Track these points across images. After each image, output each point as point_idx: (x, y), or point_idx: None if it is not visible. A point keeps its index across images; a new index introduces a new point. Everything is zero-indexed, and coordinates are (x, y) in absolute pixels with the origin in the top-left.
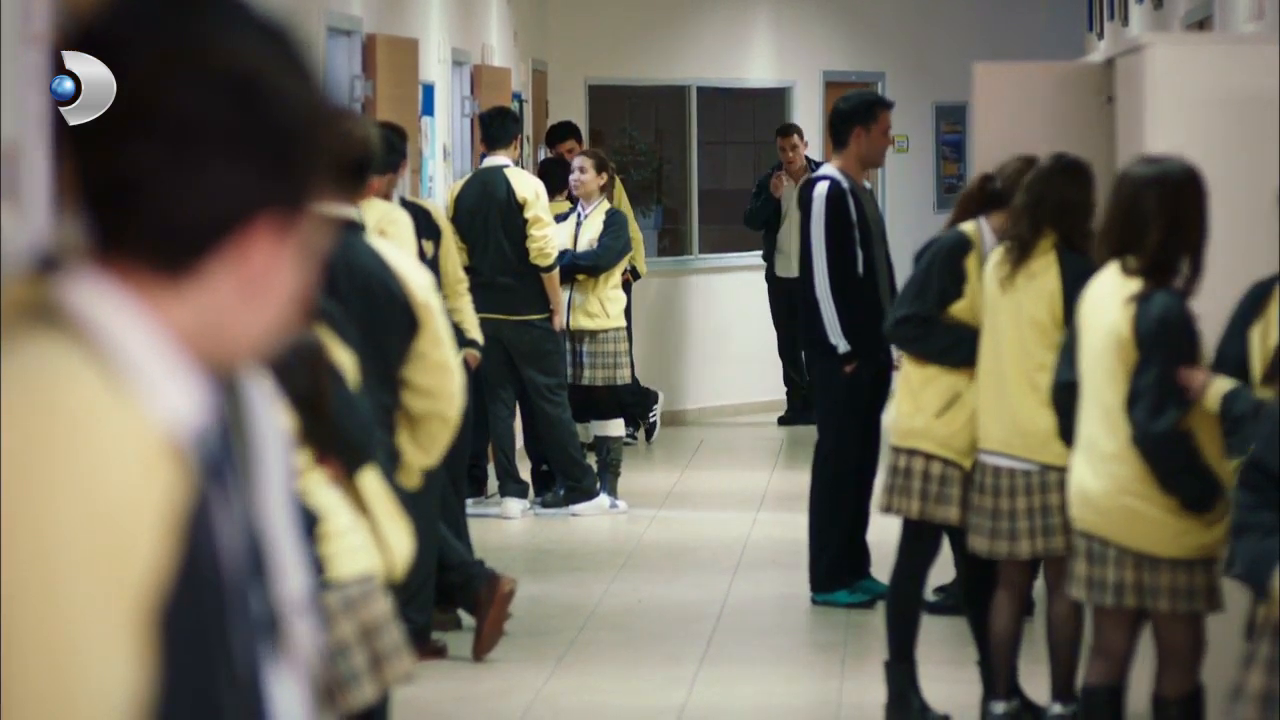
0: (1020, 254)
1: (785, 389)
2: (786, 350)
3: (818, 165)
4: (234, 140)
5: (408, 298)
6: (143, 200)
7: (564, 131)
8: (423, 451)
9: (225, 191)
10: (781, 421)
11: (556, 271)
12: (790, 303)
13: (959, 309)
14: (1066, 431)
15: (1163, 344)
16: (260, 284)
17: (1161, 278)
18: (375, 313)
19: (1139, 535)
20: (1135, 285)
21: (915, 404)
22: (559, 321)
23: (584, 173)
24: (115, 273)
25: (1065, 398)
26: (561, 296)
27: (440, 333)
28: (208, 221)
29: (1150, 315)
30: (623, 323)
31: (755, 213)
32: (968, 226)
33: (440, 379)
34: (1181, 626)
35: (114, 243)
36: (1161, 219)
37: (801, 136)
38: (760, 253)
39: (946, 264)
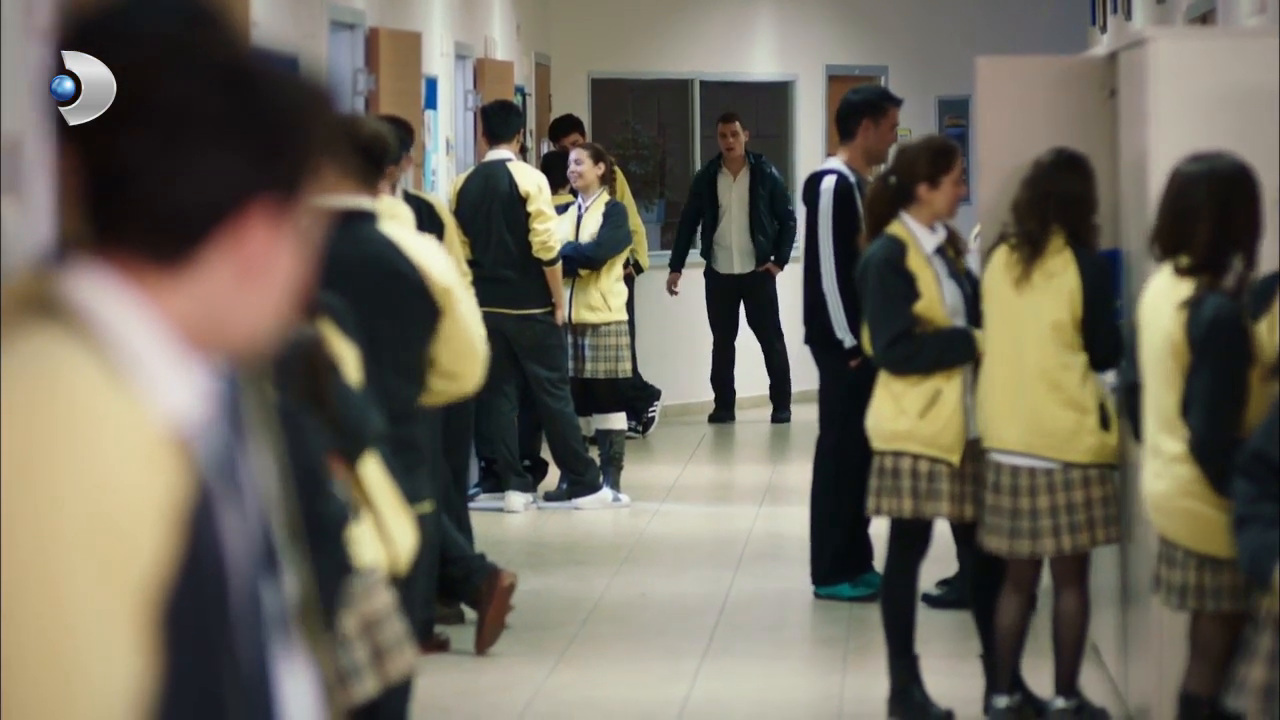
0: (1031, 251)
1: (716, 388)
2: (726, 351)
3: (756, 156)
4: (225, 128)
5: (426, 284)
6: (137, 189)
7: (567, 125)
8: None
9: (218, 178)
10: (712, 419)
11: (559, 265)
12: (737, 299)
13: (919, 308)
14: (1138, 434)
15: (1214, 348)
16: (257, 270)
17: (1212, 277)
18: (394, 303)
19: (1200, 536)
20: (1187, 287)
21: (897, 407)
22: (561, 315)
23: (580, 164)
24: (113, 264)
25: (1132, 400)
26: (564, 290)
27: (466, 316)
28: (202, 208)
29: (1202, 319)
30: (624, 316)
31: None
32: (894, 229)
33: (466, 364)
34: (1227, 625)
35: (111, 234)
36: (1209, 215)
37: (743, 125)
38: (697, 250)
39: (892, 273)
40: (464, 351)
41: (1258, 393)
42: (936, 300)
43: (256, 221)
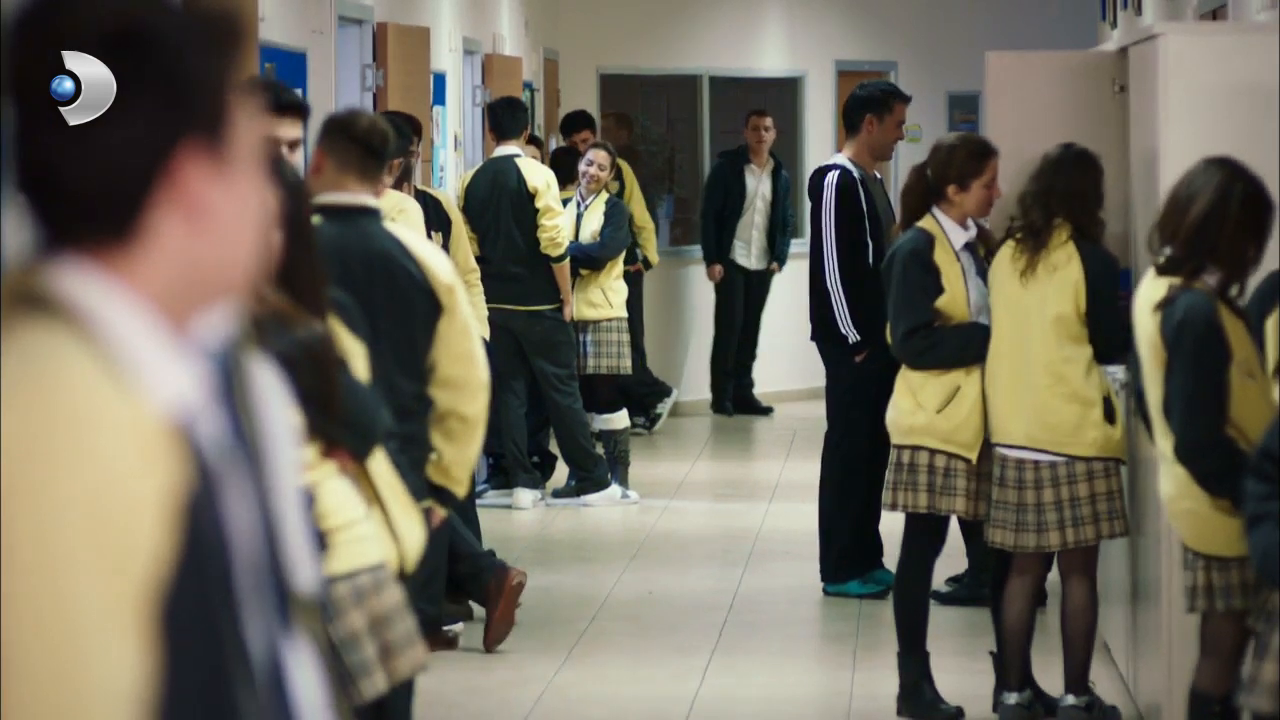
0: (1035, 243)
1: (714, 384)
2: (730, 345)
3: (774, 156)
4: (123, 90)
5: (430, 282)
6: (63, 177)
7: (578, 122)
8: (456, 447)
9: (132, 141)
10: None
11: (567, 262)
12: (760, 294)
13: (942, 303)
14: (1151, 434)
15: (1185, 347)
16: (203, 213)
17: (1188, 276)
18: (398, 299)
19: (1202, 537)
20: (1164, 287)
21: (915, 401)
22: (569, 312)
23: (602, 169)
24: (81, 253)
25: (1142, 402)
26: (565, 289)
27: (467, 321)
28: (128, 174)
29: (1173, 319)
30: (625, 313)
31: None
32: (924, 223)
33: (465, 369)
34: (1236, 623)
35: (60, 226)
36: (1206, 201)
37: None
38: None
39: (917, 266)
40: (463, 354)
41: (1245, 391)
42: (961, 296)
43: (188, 167)
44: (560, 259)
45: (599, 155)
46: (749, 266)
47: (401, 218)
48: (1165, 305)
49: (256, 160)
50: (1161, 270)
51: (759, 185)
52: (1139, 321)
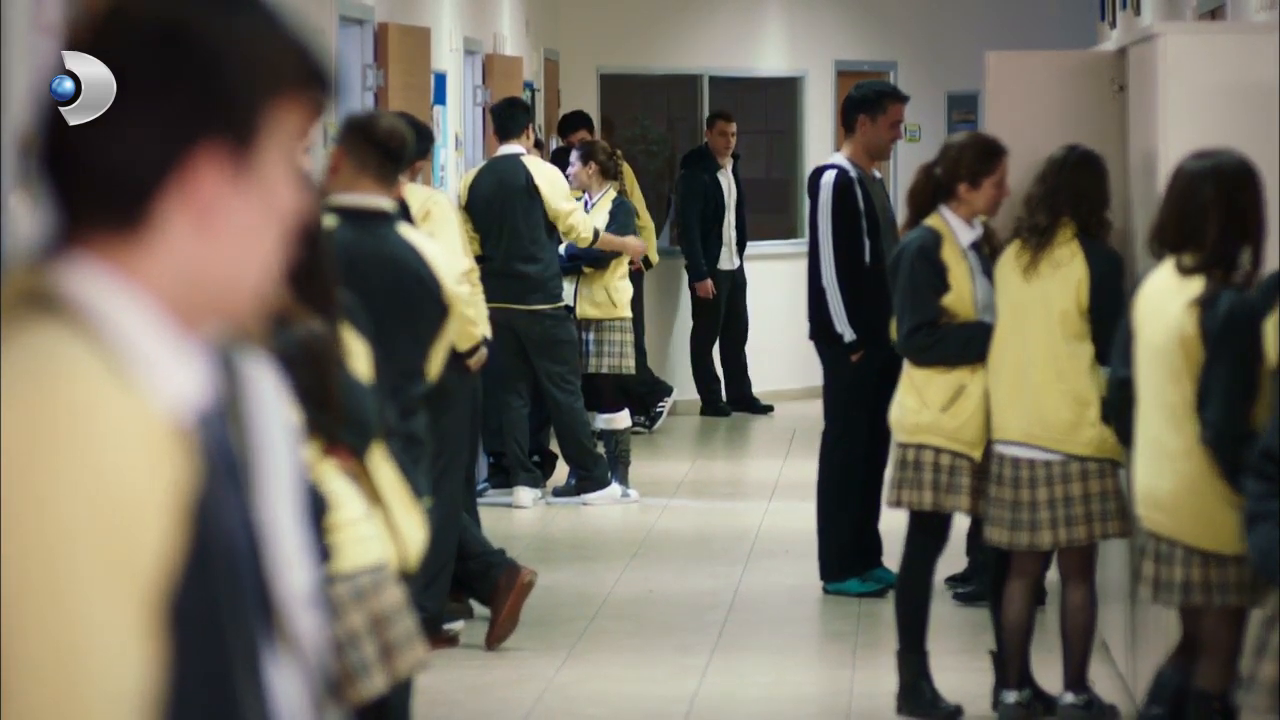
0: (1039, 240)
1: (699, 388)
2: (709, 352)
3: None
4: (153, 82)
5: (439, 285)
6: (80, 157)
7: (575, 122)
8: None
9: (153, 132)
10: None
11: (603, 237)
12: (743, 291)
13: (948, 301)
14: (1123, 431)
15: (1230, 341)
16: (214, 218)
17: (1222, 274)
18: (408, 302)
19: (1205, 534)
20: (1195, 284)
21: (920, 400)
22: (637, 243)
23: (571, 165)
24: (85, 246)
25: (1121, 396)
26: (569, 285)
27: (456, 323)
28: (143, 164)
29: (1218, 314)
30: (629, 313)
31: (694, 211)
32: (932, 221)
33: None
34: (1233, 621)
35: (73, 213)
36: (1217, 213)
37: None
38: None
39: (924, 263)
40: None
41: (1264, 388)
42: (967, 294)
43: (206, 169)
44: (593, 243)
45: (572, 154)
46: (732, 268)
47: (436, 209)
48: (1205, 302)
49: (287, 183)
50: (1189, 271)
51: (730, 188)
52: (1153, 317)
